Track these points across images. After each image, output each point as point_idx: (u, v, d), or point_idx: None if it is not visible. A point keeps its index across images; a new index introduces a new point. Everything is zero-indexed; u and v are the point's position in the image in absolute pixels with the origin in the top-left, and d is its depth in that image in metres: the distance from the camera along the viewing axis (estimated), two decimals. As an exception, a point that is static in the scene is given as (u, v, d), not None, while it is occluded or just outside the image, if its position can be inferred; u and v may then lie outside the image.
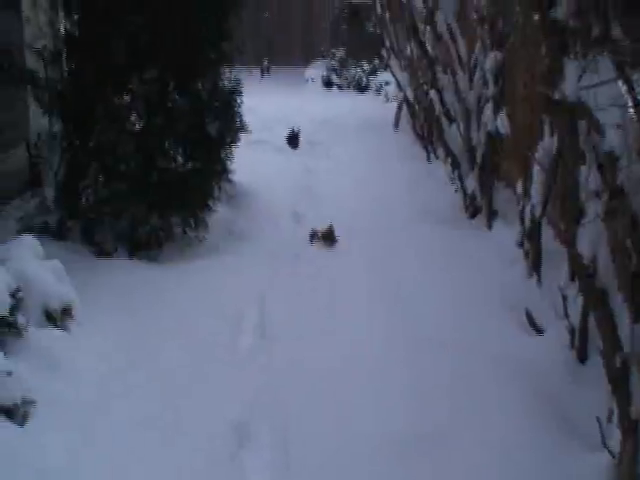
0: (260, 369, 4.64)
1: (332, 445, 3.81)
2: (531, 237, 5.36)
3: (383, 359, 4.69)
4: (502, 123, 6.38)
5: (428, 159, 10.97)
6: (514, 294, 5.44)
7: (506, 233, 6.43)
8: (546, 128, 4.83)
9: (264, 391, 4.35)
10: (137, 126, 6.92)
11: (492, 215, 7.08)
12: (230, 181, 7.86)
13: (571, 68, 3.11)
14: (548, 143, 4.78)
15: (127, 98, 6.90)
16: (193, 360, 4.69)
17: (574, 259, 3.75)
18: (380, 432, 3.91)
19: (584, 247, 3.39)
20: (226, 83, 7.42)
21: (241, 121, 7.70)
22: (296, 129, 11.59)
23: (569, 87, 3.06)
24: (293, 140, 11.19)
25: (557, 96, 3.15)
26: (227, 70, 7.42)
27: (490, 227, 7.04)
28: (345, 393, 4.30)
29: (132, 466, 3.61)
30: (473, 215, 7.63)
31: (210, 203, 7.30)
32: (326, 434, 3.90)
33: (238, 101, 7.55)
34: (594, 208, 3.32)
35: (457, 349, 4.76)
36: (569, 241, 3.72)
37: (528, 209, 5.30)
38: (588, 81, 3.02)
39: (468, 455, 3.69)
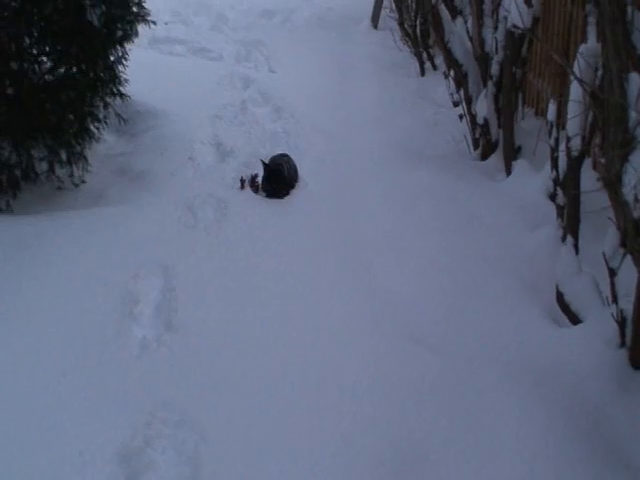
0: (161, 373, 4.65)
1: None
2: (567, 184, 5.41)
3: (345, 366, 4.73)
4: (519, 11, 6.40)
5: (421, 72, 11.01)
6: (540, 268, 5.51)
7: (531, 181, 6.51)
8: (591, 25, 4.88)
9: (165, 405, 4.35)
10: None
11: (513, 154, 7.15)
12: (122, 96, 7.77)
13: None
14: (593, 47, 4.82)
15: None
16: (66, 361, 4.68)
17: (619, 208, 3.80)
18: (334, 471, 3.96)
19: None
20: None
21: (140, 6, 7.64)
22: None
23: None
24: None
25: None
26: None
27: (509, 171, 7.10)
28: (286, 413, 4.34)
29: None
30: (485, 154, 7.68)
31: (91, 127, 7.24)
32: (255, 473, 3.93)
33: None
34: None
35: (456, 352, 4.82)
36: (613, 183, 3.77)
37: (564, 144, 5.34)
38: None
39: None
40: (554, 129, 5.70)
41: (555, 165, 5.65)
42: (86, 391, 4.44)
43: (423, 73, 10.99)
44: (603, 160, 4.20)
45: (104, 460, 3.92)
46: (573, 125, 5.07)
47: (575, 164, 5.24)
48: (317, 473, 3.92)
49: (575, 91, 4.99)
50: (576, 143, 5.12)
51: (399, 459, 3.99)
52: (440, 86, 9.43)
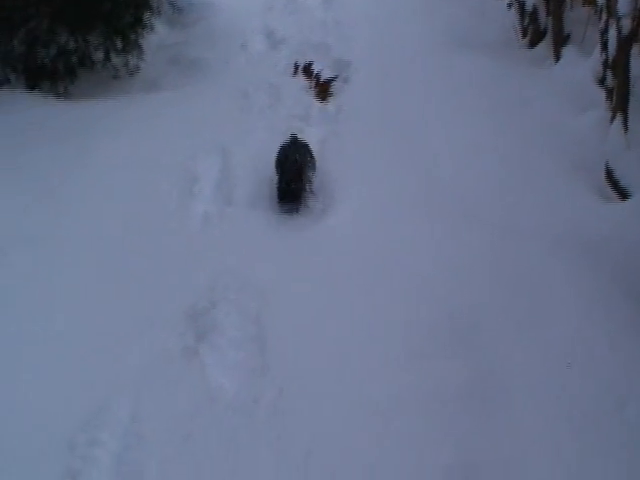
0: (222, 244, 4.84)
1: (325, 350, 4.02)
2: (616, 67, 5.43)
3: (403, 241, 4.84)
4: None
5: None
6: (589, 148, 5.58)
7: (580, 66, 6.51)
8: None
9: (227, 271, 4.55)
10: None
11: (562, 41, 7.12)
12: (177, -15, 7.83)
13: None
14: None
15: None
16: (131, 233, 4.88)
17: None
18: (391, 337, 4.11)
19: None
20: None
21: None
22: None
23: None
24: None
25: None
26: None
27: (558, 58, 7.09)
28: (342, 279, 4.50)
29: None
30: (534, 42, 7.66)
31: (145, 17, 7.31)
32: (316, 335, 4.11)
33: None
34: None
35: (507, 227, 4.91)
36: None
37: (614, 28, 5.35)
38: None
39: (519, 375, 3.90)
40: (604, 12, 5.70)
41: (605, 48, 5.66)
42: (150, 260, 4.64)
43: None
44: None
45: (173, 321, 4.13)
46: (623, 5, 5.09)
47: (625, 44, 5.26)
48: (374, 340, 4.06)
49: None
50: (626, 23, 5.14)
51: (454, 327, 4.11)
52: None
